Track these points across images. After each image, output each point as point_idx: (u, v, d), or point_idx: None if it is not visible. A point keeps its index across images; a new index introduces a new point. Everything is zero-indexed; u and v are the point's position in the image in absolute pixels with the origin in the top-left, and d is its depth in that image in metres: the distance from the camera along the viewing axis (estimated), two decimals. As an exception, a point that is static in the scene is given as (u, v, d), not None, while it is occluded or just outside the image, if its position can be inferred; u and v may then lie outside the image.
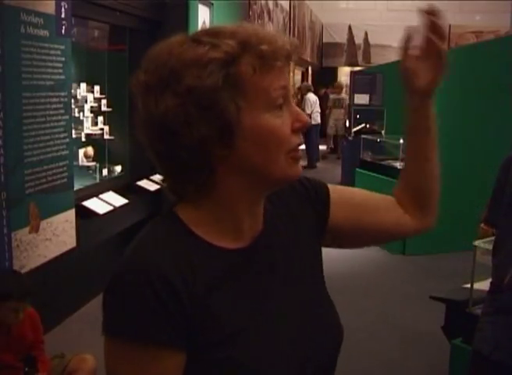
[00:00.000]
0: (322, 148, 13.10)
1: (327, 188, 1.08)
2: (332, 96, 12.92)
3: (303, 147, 0.95)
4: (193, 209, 0.91)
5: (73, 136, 4.30)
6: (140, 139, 0.90)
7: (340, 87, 12.79)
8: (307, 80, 16.01)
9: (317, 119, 11.58)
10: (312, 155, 11.35)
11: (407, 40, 1.05)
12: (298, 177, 0.91)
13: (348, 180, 8.56)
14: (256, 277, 0.92)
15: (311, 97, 11.72)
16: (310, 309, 0.97)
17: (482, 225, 2.31)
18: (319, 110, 11.88)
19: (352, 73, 10.04)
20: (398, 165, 6.29)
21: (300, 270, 0.99)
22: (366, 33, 16.65)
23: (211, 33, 0.86)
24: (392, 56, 14.69)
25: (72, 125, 4.24)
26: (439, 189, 1.14)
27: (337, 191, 1.09)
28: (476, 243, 2.66)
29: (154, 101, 0.85)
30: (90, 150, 5.10)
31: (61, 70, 3.77)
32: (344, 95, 12.50)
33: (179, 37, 0.88)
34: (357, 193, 1.14)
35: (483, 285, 2.93)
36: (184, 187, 0.90)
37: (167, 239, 0.88)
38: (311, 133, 10.83)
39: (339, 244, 1.12)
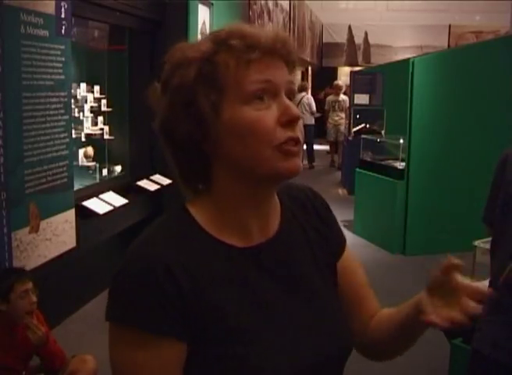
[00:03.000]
0: (319, 148, 13.05)
1: (344, 245, 1.08)
2: (329, 98, 11.78)
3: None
4: (202, 205, 0.93)
5: (73, 136, 4.29)
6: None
7: (338, 88, 11.59)
8: (307, 80, 16.01)
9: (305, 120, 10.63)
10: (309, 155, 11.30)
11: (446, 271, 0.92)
12: (293, 173, 0.89)
13: (348, 180, 8.57)
14: (260, 277, 0.92)
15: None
16: (314, 315, 0.96)
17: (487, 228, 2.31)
18: (308, 110, 11.14)
19: (352, 73, 10.04)
20: (398, 165, 6.29)
21: (304, 280, 0.98)
22: (366, 33, 16.66)
23: (209, 34, 0.91)
24: (392, 56, 14.72)
25: (72, 125, 4.24)
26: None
27: (349, 259, 1.08)
28: (476, 243, 2.66)
29: (158, 103, 0.91)
30: (90, 150, 5.10)
31: (61, 70, 3.77)
32: (343, 97, 11.41)
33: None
34: (357, 275, 1.10)
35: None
36: (193, 184, 0.94)
37: (173, 232, 0.90)
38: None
39: None
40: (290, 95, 0.90)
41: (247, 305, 0.89)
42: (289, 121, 0.88)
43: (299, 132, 0.89)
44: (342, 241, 1.09)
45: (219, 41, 0.87)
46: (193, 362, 0.86)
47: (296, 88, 11.49)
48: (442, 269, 0.91)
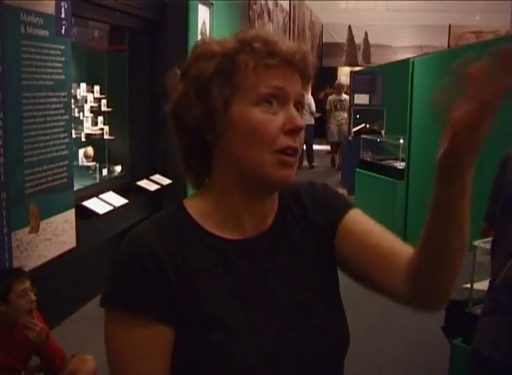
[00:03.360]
0: (318, 148, 13.02)
1: (345, 209, 1.03)
2: (330, 97, 11.42)
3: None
4: (198, 199, 0.98)
5: (73, 136, 4.29)
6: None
7: (340, 87, 11.31)
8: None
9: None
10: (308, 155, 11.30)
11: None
12: (285, 183, 0.91)
13: (348, 180, 8.57)
14: (248, 270, 0.94)
15: None
16: (302, 312, 0.96)
17: (483, 225, 2.31)
18: (308, 110, 10.79)
19: (352, 73, 10.04)
20: (398, 165, 6.29)
21: (300, 274, 0.99)
22: (366, 33, 16.65)
23: (237, 33, 0.94)
24: (392, 56, 14.72)
25: (72, 125, 4.24)
26: (455, 278, 0.92)
27: (356, 221, 1.02)
28: (476, 243, 2.65)
29: (175, 90, 0.94)
30: (90, 150, 5.11)
31: (61, 70, 3.77)
32: (345, 96, 11.09)
33: None
34: (373, 234, 1.02)
35: (483, 285, 2.92)
36: (195, 172, 0.98)
37: (165, 224, 0.94)
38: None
39: (346, 272, 1.04)
40: (299, 107, 0.93)
41: (230, 296, 0.92)
42: (293, 130, 0.90)
43: (299, 143, 0.92)
44: (341, 207, 1.03)
45: (244, 41, 0.91)
46: (177, 348, 0.90)
47: None
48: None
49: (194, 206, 0.96)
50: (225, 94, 0.90)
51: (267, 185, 0.93)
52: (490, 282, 2.00)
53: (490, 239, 2.08)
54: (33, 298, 2.70)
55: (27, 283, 2.70)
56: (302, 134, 0.93)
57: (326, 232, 1.03)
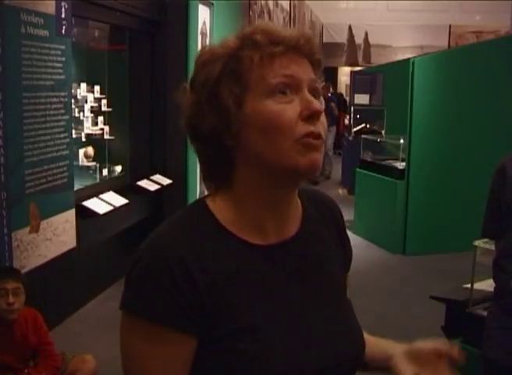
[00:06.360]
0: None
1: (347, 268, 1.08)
2: None
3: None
4: (221, 201, 0.93)
5: (73, 136, 4.30)
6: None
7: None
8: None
9: None
10: None
11: None
12: (312, 167, 0.88)
13: (348, 180, 8.57)
14: (275, 277, 0.92)
15: None
16: (325, 321, 0.95)
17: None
18: None
19: (352, 73, 10.04)
20: (398, 165, 6.29)
21: (324, 283, 0.98)
22: (366, 33, 16.65)
23: (237, 31, 0.91)
24: (393, 56, 14.71)
25: (72, 125, 4.24)
26: None
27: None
28: (476, 243, 2.66)
29: (186, 102, 0.92)
30: (90, 150, 5.10)
31: (61, 70, 3.77)
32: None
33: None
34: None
35: (483, 285, 2.93)
36: (216, 180, 0.94)
37: (191, 226, 0.90)
38: None
39: None
40: (314, 93, 0.90)
41: (259, 303, 0.89)
42: (311, 116, 0.87)
43: (321, 127, 0.88)
44: (351, 259, 1.08)
45: (244, 36, 0.89)
46: (205, 358, 0.86)
47: None
48: (434, 350, 1.02)
49: (218, 208, 0.92)
50: (236, 92, 0.87)
51: (294, 173, 0.88)
52: (496, 294, 1.96)
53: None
54: (11, 300, 2.63)
55: (11, 285, 2.65)
56: (323, 120, 0.89)
57: (345, 259, 1.06)
